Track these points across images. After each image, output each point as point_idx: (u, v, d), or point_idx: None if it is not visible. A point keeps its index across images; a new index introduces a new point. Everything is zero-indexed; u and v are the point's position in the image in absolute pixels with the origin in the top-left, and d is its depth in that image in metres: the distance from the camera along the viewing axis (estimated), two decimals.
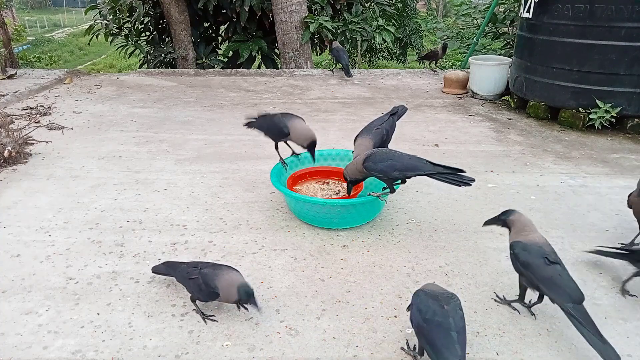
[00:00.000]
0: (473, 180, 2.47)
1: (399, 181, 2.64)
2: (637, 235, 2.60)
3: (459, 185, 2.51)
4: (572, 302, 1.91)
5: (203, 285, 2.03)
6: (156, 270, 2.33)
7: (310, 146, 2.94)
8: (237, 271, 2.11)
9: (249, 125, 3.11)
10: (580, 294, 1.93)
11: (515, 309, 2.17)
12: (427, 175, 2.52)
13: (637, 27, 3.98)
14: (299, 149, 3.09)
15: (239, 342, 1.99)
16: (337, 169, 3.22)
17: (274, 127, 2.97)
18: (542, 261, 1.96)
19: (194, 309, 2.15)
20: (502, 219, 2.18)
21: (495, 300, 2.24)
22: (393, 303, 2.22)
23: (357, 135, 3.00)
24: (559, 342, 1.99)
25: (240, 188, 3.37)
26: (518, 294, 2.15)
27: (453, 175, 2.49)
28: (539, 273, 1.96)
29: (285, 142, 3.11)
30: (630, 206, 2.61)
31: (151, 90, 6.03)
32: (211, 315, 2.13)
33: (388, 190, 2.65)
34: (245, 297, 1.99)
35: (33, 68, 8.54)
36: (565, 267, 2.00)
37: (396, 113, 3.16)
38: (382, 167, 2.54)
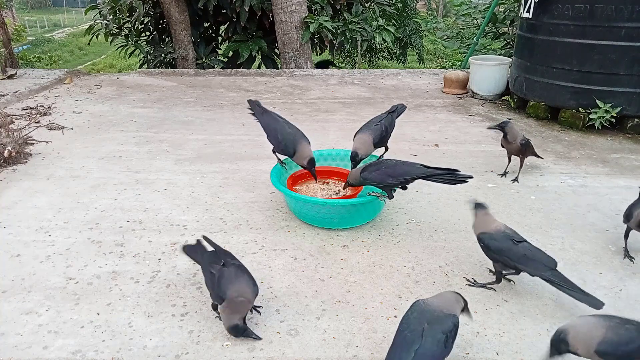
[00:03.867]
0: (470, 177, 2.49)
1: (399, 186, 2.66)
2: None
3: (455, 184, 2.55)
4: (548, 269, 2.11)
5: (215, 285, 1.98)
6: (187, 249, 2.26)
7: (310, 164, 2.89)
8: (254, 285, 2.01)
9: (254, 112, 3.05)
10: (553, 260, 2.14)
11: (492, 288, 2.30)
12: (422, 178, 2.56)
13: (637, 27, 3.98)
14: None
15: (239, 342, 1.99)
16: (337, 169, 3.22)
17: (280, 144, 2.91)
18: (510, 243, 2.15)
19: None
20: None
21: (469, 285, 2.33)
22: (393, 303, 2.22)
23: (357, 132, 3.01)
24: None
25: (240, 188, 3.37)
26: (495, 279, 2.29)
27: (448, 175, 2.51)
28: (512, 254, 2.14)
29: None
30: None
31: (151, 90, 6.03)
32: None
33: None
34: (234, 335, 1.96)
35: (33, 68, 8.55)
36: (530, 243, 2.19)
37: (395, 111, 3.16)
38: (376, 176, 2.62)
